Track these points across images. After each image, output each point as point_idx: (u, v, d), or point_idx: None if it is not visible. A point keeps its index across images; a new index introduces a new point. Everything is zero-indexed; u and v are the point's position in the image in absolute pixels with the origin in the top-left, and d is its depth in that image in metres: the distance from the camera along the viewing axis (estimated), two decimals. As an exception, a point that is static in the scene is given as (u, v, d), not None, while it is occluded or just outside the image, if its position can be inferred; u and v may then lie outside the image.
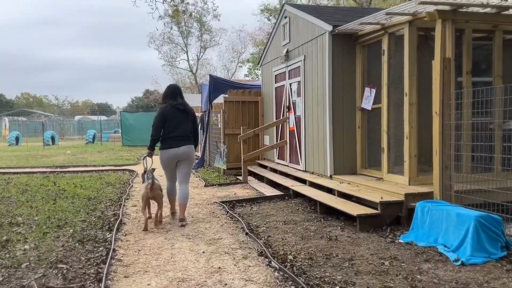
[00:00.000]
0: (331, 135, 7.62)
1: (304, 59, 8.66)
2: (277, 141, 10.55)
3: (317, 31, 7.97)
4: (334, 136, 7.63)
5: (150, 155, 6.28)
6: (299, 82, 9.01)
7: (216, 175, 11.46)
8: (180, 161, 6.17)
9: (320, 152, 8.04)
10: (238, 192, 8.78)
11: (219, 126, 12.24)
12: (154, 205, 6.32)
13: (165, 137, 6.09)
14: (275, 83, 10.61)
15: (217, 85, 13.51)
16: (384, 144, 6.77)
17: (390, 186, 6.23)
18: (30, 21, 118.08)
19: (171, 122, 6.01)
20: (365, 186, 6.60)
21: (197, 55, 62.88)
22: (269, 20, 31.34)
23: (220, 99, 16.16)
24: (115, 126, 45.06)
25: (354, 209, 5.76)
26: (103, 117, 52.84)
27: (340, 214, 6.26)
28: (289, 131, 9.70)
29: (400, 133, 6.48)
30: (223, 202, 7.52)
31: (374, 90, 7.09)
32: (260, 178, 10.27)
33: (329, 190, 7.28)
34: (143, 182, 6.12)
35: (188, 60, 62.49)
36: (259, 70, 32.57)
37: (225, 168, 10.13)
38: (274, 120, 10.68)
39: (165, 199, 6.48)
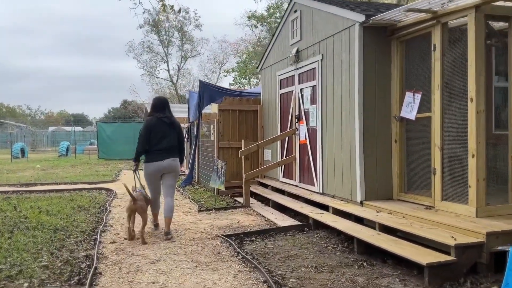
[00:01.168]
0: (361, 151, 6.15)
1: (321, 60, 7.21)
2: (282, 156, 9.03)
3: (342, 24, 6.53)
4: (366, 152, 6.15)
5: (136, 167, 6.40)
6: (313, 87, 7.55)
7: (209, 195, 9.85)
8: (164, 174, 6.14)
9: (345, 171, 6.55)
10: (242, 219, 7.20)
11: (212, 139, 10.67)
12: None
13: (150, 150, 6.06)
14: (280, 89, 9.13)
15: (208, 92, 11.93)
16: (437, 163, 5.33)
17: (450, 219, 4.77)
18: (1, 30, 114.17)
19: (156, 134, 5.99)
20: (416, 218, 5.12)
21: (177, 65, 61.22)
22: (256, 27, 30.04)
23: (208, 109, 14.64)
24: (91, 137, 42.84)
25: (416, 254, 4.25)
26: (78, 128, 50.47)
27: (385, 255, 4.78)
28: (299, 144, 8.20)
29: (460, 150, 5.05)
30: (227, 236, 5.93)
31: (419, 96, 5.67)
32: (263, 199, 8.72)
33: (358, 220, 5.80)
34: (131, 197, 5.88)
35: (168, 70, 60.70)
36: (248, 77, 31.09)
37: (223, 189, 8.54)
38: (279, 131, 9.18)
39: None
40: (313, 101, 7.60)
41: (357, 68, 6.13)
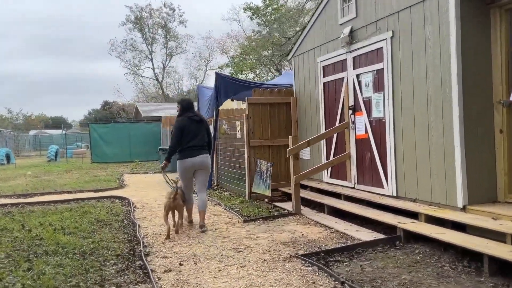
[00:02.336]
0: (462, 145, 5.05)
1: (392, 37, 6.08)
2: (329, 154, 7.89)
3: (426, -8, 5.41)
4: (468, 146, 5.06)
5: (165, 166, 6.52)
6: (378, 71, 6.42)
7: (240, 200, 8.64)
8: (197, 170, 6.40)
9: (435, 170, 5.44)
10: (304, 231, 6.02)
11: (239, 136, 9.46)
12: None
13: (182, 148, 6.30)
14: (323, 76, 7.97)
15: (226, 86, 10.73)
16: None
17: None
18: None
19: (188, 133, 6.28)
20: (563, 227, 4.05)
21: (162, 63, 59.48)
22: (252, 20, 28.76)
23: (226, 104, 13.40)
24: (75, 140, 40.82)
25: None
26: (58, 131, 48.40)
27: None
28: (356, 140, 7.07)
29: None
30: (306, 256, 4.76)
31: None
32: (309, 204, 7.55)
33: (457, 226, 4.73)
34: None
35: (153, 68, 58.89)
36: (246, 72, 29.78)
37: (269, 195, 7.32)
38: (322, 126, 8.04)
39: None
40: (377, 88, 6.47)
41: (454, 43, 5.02)
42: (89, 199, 9.78)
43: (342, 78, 7.36)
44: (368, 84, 6.68)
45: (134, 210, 8.14)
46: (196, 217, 6.61)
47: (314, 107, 8.40)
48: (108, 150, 21.61)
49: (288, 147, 9.02)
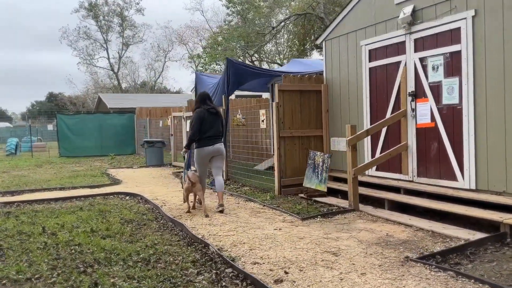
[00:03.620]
0: None
1: (474, 16, 5.58)
2: (375, 144, 7.34)
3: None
4: None
5: (186, 153, 7.13)
6: (452, 54, 5.92)
7: (269, 196, 7.90)
8: (213, 157, 6.90)
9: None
10: (382, 229, 5.41)
11: (263, 126, 8.72)
12: None
13: (201, 137, 6.75)
14: (370, 61, 7.39)
15: (239, 74, 9.95)
16: None
17: None
18: None
19: (205, 124, 6.75)
20: None
21: (118, 53, 56.89)
22: (227, 8, 27.69)
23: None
24: (22, 134, 37.30)
25: None
26: (5, 124, 45.25)
27: None
28: (417, 129, 6.55)
29: None
30: (423, 258, 4.16)
31: None
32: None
33: None
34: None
35: (108, 58, 56.24)
36: (222, 63, 28.72)
37: (324, 190, 6.64)
38: (366, 115, 7.48)
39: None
40: (451, 72, 5.97)
41: None
42: (92, 196, 8.65)
43: (398, 62, 6.81)
44: (437, 68, 6.16)
45: (161, 207, 7.18)
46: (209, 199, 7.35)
47: (353, 95, 7.81)
48: (78, 143, 19.97)
49: (317, 138, 8.49)
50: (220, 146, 6.94)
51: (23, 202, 8.10)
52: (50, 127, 35.66)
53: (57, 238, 5.41)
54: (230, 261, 4.23)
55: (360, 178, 7.40)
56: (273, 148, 8.27)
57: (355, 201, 6.41)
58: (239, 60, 26.76)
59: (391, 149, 6.69)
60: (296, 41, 27.57)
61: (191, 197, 7.10)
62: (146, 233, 5.61)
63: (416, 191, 6.34)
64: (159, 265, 4.35)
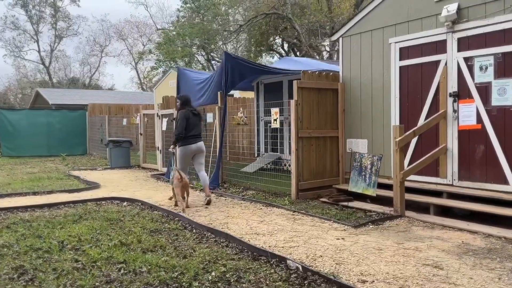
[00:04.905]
0: None
1: (536, 16, 5.44)
2: (407, 146, 7.04)
3: None
4: None
5: (174, 149, 7.58)
6: (505, 54, 5.75)
7: (288, 200, 7.34)
8: (196, 154, 7.62)
9: None
10: (451, 237, 5.07)
11: (275, 126, 8.12)
12: None
13: (185, 136, 7.40)
14: (400, 59, 7.10)
15: (238, 69, 9.30)
16: None
17: None
18: None
19: (190, 123, 7.44)
20: None
21: (50, 46, 52.99)
22: (185, 3, 26.51)
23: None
24: None
25: None
26: None
27: None
28: (459, 131, 6.33)
29: None
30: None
31: None
32: (382, 202, 6.60)
33: None
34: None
35: (39, 51, 52.17)
36: (177, 60, 27.51)
37: (373, 194, 6.16)
38: (394, 117, 7.16)
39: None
40: (503, 73, 5.79)
41: None
42: (81, 202, 7.55)
43: (437, 62, 6.56)
44: (486, 69, 5.97)
45: (181, 214, 6.33)
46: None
47: (378, 94, 7.48)
48: (22, 142, 17.94)
49: (332, 139, 8.07)
50: (202, 144, 7.66)
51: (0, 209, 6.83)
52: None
53: (88, 254, 4.46)
54: (335, 279, 3.63)
55: (388, 181, 7.08)
56: (291, 149, 7.70)
57: (402, 207, 6.03)
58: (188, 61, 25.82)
59: (433, 152, 6.40)
60: (253, 42, 27.15)
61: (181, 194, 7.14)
62: (189, 245, 4.82)
63: (459, 195, 6.11)
64: (243, 285, 3.65)
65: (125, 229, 5.59)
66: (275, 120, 8.13)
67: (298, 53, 26.73)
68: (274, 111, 8.11)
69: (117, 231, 5.44)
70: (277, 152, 11.33)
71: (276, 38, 27.74)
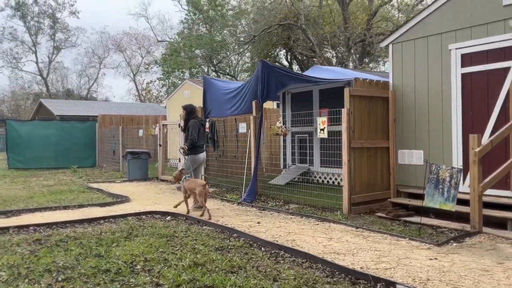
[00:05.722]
0: None
1: None
2: (466, 156, 6.66)
3: None
4: None
5: (186, 154, 7.85)
6: None
7: (340, 215, 6.92)
8: (199, 164, 8.12)
9: None
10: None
11: (322, 136, 7.72)
12: None
13: (196, 145, 7.84)
14: (462, 67, 6.76)
15: (275, 77, 8.96)
16: None
17: None
18: None
19: (199, 134, 7.91)
20: None
21: (48, 57, 52.41)
22: (194, 14, 26.23)
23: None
24: None
25: None
26: None
27: None
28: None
29: None
30: None
31: None
32: (453, 217, 6.18)
33: None
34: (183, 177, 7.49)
35: (37, 62, 51.54)
36: (185, 71, 27.19)
37: (453, 210, 5.71)
38: (457, 127, 6.79)
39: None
40: None
41: None
42: (121, 216, 7.05)
43: (506, 68, 6.23)
44: None
45: (241, 230, 5.86)
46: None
47: (436, 103, 7.12)
48: (31, 154, 17.36)
49: (382, 150, 7.68)
50: (205, 154, 8.32)
51: (37, 225, 6.33)
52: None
53: (165, 277, 3.98)
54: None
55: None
56: (342, 160, 7.29)
57: (480, 223, 5.62)
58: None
59: (506, 164, 6.01)
60: (257, 53, 26.91)
61: (189, 201, 7.51)
62: (269, 266, 4.37)
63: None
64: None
65: (186, 246, 5.12)
66: (322, 129, 7.72)
67: (302, 65, 26.58)
68: (322, 120, 7.72)
69: (180, 249, 4.96)
70: (306, 163, 10.93)
71: (280, 49, 27.57)
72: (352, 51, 18.61)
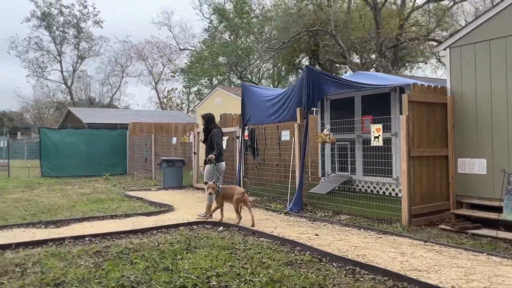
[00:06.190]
0: None
1: None
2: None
3: None
4: None
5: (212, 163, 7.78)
6: None
7: (401, 227, 6.61)
8: (221, 173, 8.08)
9: None
10: None
11: (376, 144, 7.43)
12: None
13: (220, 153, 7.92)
14: (533, 71, 6.41)
15: (320, 84, 8.71)
16: None
17: None
18: None
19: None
20: None
21: (72, 66, 53.15)
22: (220, 22, 26.22)
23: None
24: None
25: None
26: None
27: None
28: None
29: None
30: None
31: None
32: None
33: None
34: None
35: (61, 71, 52.31)
36: (210, 78, 27.20)
37: None
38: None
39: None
40: None
41: None
42: (173, 227, 6.86)
43: None
44: None
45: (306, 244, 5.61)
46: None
47: (499, 110, 6.77)
48: (62, 162, 17.40)
49: (440, 158, 7.35)
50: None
51: (92, 236, 6.18)
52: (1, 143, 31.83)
53: (247, 295, 3.75)
54: None
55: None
56: (401, 170, 6.99)
57: None
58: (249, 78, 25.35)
59: None
60: (281, 60, 26.75)
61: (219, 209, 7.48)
62: (350, 284, 4.10)
63: None
64: None
65: (253, 260, 4.88)
66: (377, 137, 7.44)
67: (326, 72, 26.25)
68: (376, 127, 7.44)
69: (248, 263, 4.73)
70: (346, 172, 10.62)
71: (303, 56, 27.33)
72: (387, 56, 18.24)
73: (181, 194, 11.70)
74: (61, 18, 50.81)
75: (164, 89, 52.68)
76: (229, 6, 24.62)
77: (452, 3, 21.14)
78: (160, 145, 16.76)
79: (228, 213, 7.44)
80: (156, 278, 4.17)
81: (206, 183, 7.59)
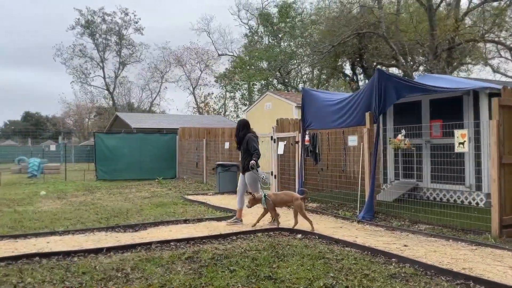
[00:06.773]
0: None
1: None
2: None
3: None
4: None
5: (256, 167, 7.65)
6: None
7: (486, 239, 6.23)
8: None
9: None
10: None
11: (462, 150, 7.08)
12: None
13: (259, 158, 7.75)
14: None
15: (392, 88, 8.40)
16: None
17: None
18: None
19: None
20: None
21: (114, 72, 54.50)
22: (265, 27, 26.25)
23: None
24: (12, 154, 32.33)
25: None
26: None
27: None
28: None
29: None
30: None
31: None
32: None
33: None
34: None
35: (104, 77, 53.76)
36: (255, 82, 27.40)
37: None
38: None
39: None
40: None
41: None
42: (251, 233, 6.76)
43: None
44: None
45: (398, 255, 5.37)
46: None
47: None
48: (116, 166, 17.71)
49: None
50: None
51: (177, 241, 6.15)
52: (52, 147, 33.01)
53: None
54: None
55: None
56: (490, 178, 6.63)
57: None
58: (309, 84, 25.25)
59: None
60: (323, 65, 26.44)
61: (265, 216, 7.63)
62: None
63: None
64: None
65: (352, 271, 4.68)
66: (462, 143, 7.10)
67: (362, 75, 25.80)
68: (461, 133, 7.10)
69: (351, 275, 4.53)
70: (412, 178, 10.24)
71: (346, 60, 26.94)
72: (443, 58, 17.67)
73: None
74: (104, 26, 52.28)
75: (201, 94, 53.31)
76: (273, 10, 24.67)
77: (508, 2, 20.31)
78: (210, 149, 16.81)
79: (248, 217, 7.27)
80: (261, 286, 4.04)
81: (250, 193, 7.53)
